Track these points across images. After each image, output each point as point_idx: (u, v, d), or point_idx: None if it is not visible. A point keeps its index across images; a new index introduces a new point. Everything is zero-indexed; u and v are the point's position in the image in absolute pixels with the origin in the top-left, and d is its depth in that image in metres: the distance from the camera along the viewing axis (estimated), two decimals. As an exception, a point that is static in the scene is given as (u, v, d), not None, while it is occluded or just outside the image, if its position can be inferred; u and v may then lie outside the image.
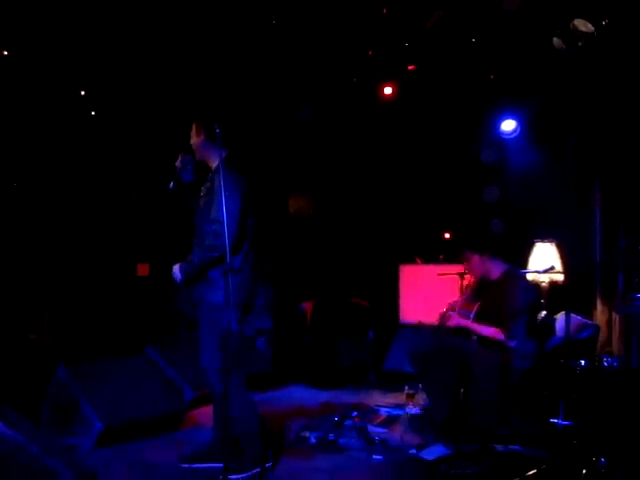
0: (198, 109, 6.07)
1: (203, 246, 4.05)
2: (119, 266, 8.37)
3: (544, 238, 6.56)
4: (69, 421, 4.66)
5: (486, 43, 6.59)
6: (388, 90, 7.93)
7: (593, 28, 5.36)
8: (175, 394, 5.42)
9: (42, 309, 7.09)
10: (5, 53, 6.75)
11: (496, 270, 5.18)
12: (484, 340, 4.97)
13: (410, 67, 7.41)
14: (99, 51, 6.86)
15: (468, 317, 5.15)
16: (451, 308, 5.35)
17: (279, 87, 7.47)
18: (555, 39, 5.70)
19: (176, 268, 4.17)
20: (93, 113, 7.97)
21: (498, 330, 4.88)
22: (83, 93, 7.64)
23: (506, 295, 4.96)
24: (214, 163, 4.18)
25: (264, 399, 5.85)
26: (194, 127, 4.29)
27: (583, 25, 5.37)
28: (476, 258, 5.25)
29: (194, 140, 4.28)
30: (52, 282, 7.42)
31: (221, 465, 3.94)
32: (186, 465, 4.26)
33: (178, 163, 4.31)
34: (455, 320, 5.17)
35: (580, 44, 5.64)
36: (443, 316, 5.30)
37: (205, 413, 5.32)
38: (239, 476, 3.93)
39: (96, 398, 4.66)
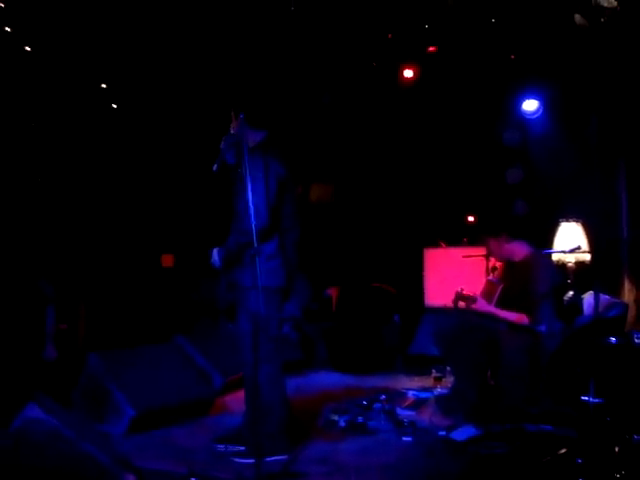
0: (218, 97, 6.10)
1: (238, 230, 4.07)
2: (144, 258, 8.44)
3: (569, 218, 6.51)
4: (101, 408, 4.71)
5: (506, 22, 6.52)
6: (409, 73, 7.89)
7: (616, 3, 5.28)
8: (204, 380, 5.46)
9: (71, 300, 7.16)
10: (27, 49, 6.82)
11: (519, 252, 5.11)
12: (511, 323, 4.93)
13: (430, 49, 7.36)
14: (119, 46, 6.91)
15: (491, 300, 5.10)
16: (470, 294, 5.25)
17: (299, 74, 7.46)
18: (577, 16, 5.63)
19: (214, 253, 4.21)
20: (115, 106, 8.03)
21: (522, 315, 4.83)
22: (104, 86, 7.71)
23: (530, 278, 4.89)
24: (251, 145, 4.18)
25: (293, 385, 5.86)
26: (232, 113, 4.29)
27: (605, 0, 5.29)
28: (493, 241, 5.18)
29: (233, 124, 4.30)
30: (80, 274, 7.49)
31: (252, 448, 4.00)
32: (219, 446, 4.31)
33: (222, 145, 4.31)
34: (479, 305, 5.10)
35: (602, 20, 5.56)
36: (460, 297, 5.22)
37: (235, 399, 5.38)
38: (271, 459, 3.95)
39: (127, 385, 4.71)
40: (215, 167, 4.27)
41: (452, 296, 5.23)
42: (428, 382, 6.03)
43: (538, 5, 6.04)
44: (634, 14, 5.48)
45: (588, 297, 5.75)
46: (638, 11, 5.44)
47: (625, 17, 5.49)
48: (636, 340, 4.10)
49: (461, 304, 5.15)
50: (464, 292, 5.15)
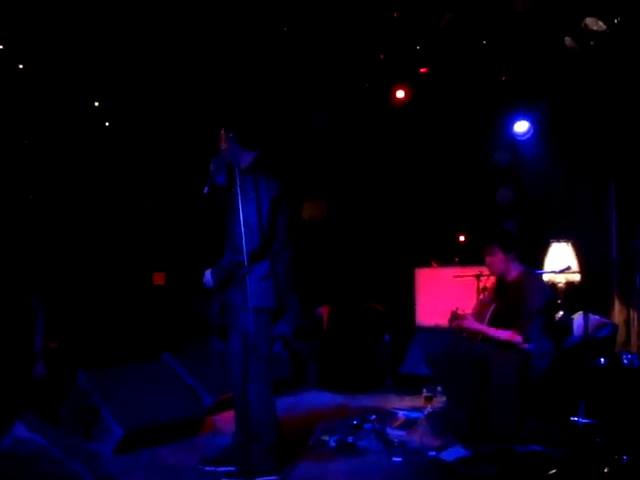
0: (212, 116, 6.13)
1: (232, 249, 4.06)
2: (135, 275, 8.43)
3: (560, 238, 6.53)
4: (90, 427, 4.67)
5: (497, 44, 6.59)
6: (400, 93, 7.95)
7: (605, 26, 5.34)
8: (194, 400, 5.43)
9: (60, 318, 7.12)
10: (20, 66, 6.84)
11: (514, 271, 5.14)
12: (501, 342, 4.93)
13: (422, 70, 7.43)
14: (112, 64, 6.95)
15: (483, 320, 5.11)
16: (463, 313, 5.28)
17: (291, 92, 7.50)
18: (567, 39, 5.70)
19: (207, 273, 4.19)
20: (107, 124, 8.06)
21: (514, 333, 4.84)
22: (97, 104, 7.74)
23: (523, 297, 4.91)
24: (243, 166, 4.19)
25: (283, 404, 5.84)
26: (222, 132, 4.28)
27: (595, 24, 5.36)
28: (501, 255, 5.17)
29: (223, 145, 4.28)
30: (70, 292, 7.46)
31: (241, 468, 3.98)
32: (207, 467, 4.27)
33: (212, 167, 4.30)
34: (469, 323, 5.13)
35: (592, 43, 5.62)
36: (455, 316, 5.25)
37: (224, 419, 5.35)
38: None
39: (116, 404, 4.67)
40: (206, 190, 4.25)
41: (443, 315, 5.23)
42: (419, 402, 5.99)
43: (529, 28, 6.10)
44: (623, 37, 5.55)
45: (578, 317, 5.76)
46: (626, 34, 5.51)
47: (614, 40, 5.55)
48: (625, 361, 4.11)
49: (454, 323, 5.17)
50: (459, 311, 5.18)
